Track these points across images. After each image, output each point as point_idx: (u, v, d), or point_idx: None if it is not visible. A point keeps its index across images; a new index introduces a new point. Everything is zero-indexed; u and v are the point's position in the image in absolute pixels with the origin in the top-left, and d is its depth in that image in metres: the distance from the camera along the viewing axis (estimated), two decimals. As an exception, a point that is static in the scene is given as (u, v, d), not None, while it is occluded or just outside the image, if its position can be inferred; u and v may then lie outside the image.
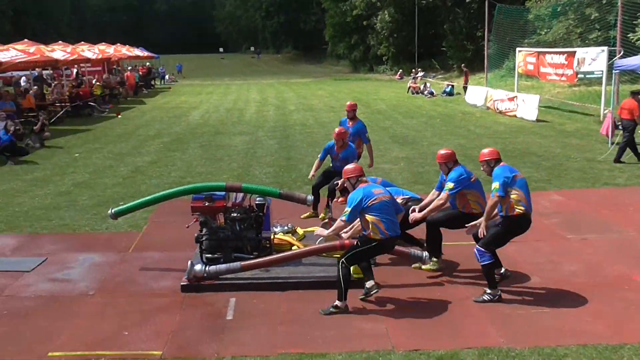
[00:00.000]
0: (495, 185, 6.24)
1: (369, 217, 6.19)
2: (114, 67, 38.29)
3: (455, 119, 21.51)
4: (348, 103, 10.81)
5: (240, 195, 7.79)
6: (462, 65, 34.16)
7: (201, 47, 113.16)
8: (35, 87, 24.48)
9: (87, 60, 29.34)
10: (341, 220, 6.37)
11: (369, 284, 6.28)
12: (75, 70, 31.52)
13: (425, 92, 31.48)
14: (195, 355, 5.34)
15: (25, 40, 25.96)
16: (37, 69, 27.64)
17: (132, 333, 5.74)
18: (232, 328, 5.83)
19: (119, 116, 23.49)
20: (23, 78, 28.20)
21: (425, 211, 7.05)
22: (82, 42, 33.59)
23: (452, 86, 31.95)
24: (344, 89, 37.49)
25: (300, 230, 8.08)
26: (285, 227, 8.04)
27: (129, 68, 39.93)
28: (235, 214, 7.37)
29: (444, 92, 31.44)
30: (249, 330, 5.79)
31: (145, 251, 8.03)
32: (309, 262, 7.17)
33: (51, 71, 30.46)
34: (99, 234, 8.80)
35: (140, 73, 39.59)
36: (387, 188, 6.79)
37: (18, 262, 7.62)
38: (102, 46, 34.82)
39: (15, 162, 14.02)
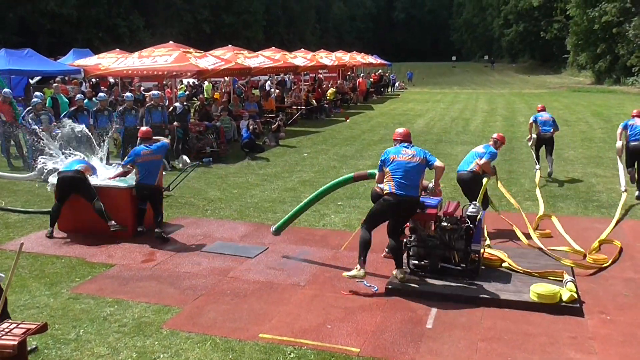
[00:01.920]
0: None
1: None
2: (348, 73, 40.19)
3: None
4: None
5: (453, 204, 7.67)
6: None
7: (434, 55, 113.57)
8: (277, 90, 26.76)
9: (324, 66, 31.24)
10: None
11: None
12: (314, 76, 33.76)
13: (681, 108, 27.83)
14: (391, 357, 5.39)
15: (273, 47, 28.55)
16: (280, 73, 30.11)
17: (335, 327, 5.98)
18: (430, 337, 5.77)
19: (348, 120, 24.58)
20: (268, 82, 31.00)
21: None
22: (322, 50, 35.93)
23: None
24: (582, 101, 34.74)
25: None
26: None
27: (362, 75, 41.58)
28: (445, 224, 7.28)
29: None
30: (447, 341, 5.68)
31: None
32: (520, 281, 6.82)
33: (292, 76, 33.00)
34: (316, 230, 9.32)
35: (372, 80, 40.99)
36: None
37: (244, 248, 8.41)
38: (339, 53, 36.81)
39: (252, 158, 15.49)
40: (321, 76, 33.10)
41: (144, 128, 9.34)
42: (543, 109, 13.31)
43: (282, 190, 12.02)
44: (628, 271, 7.45)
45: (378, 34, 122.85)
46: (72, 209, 9.07)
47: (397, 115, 27.50)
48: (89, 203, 8.77)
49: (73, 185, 8.85)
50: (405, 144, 7.13)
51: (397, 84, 49.40)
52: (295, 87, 30.12)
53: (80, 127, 11.30)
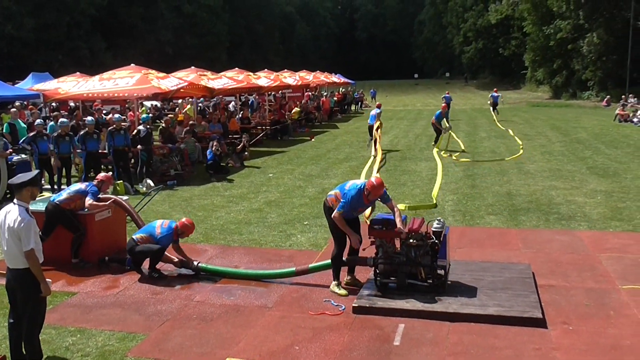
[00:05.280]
0: None
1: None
2: (313, 92, 40.40)
3: (669, 151, 19.33)
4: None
5: (418, 221, 7.74)
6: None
7: (397, 73, 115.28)
8: (242, 111, 26.74)
9: (288, 86, 31.36)
10: None
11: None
12: (276, 95, 33.88)
13: (635, 120, 28.74)
14: (359, 377, 5.38)
15: (236, 68, 28.59)
16: (244, 94, 30.14)
17: (303, 348, 5.95)
18: (398, 354, 5.79)
19: (313, 139, 24.66)
20: (232, 103, 30.98)
21: None
22: (285, 70, 36.09)
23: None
24: (541, 115, 35.59)
25: None
26: None
27: (325, 94, 41.84)
28: (411, 240, 7.33)
29: (659, 120, 28.53)
30: (415, 358, 5.71)
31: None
32: (485, 296, 6.90)
33: (256, 96, 33.05)
34: (283, 250, 9.28)
35: (336, 99, 41.29)
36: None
37: (210, 270, 8.31)
38: (303, 73, 37.07)
39: (218, 180, 15.41)
40: (308, 93, 33.34)
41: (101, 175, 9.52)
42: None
43: (248, 211, 11.97)
44: (589, 281, 7.61)
45: (341, 53, 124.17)
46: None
47: (362, 133, 27.57)
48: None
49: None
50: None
51: (363, 103, 49.74)
52: (260, 107, 30.14)
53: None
